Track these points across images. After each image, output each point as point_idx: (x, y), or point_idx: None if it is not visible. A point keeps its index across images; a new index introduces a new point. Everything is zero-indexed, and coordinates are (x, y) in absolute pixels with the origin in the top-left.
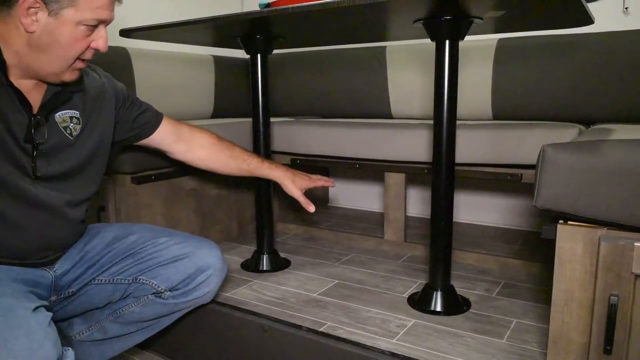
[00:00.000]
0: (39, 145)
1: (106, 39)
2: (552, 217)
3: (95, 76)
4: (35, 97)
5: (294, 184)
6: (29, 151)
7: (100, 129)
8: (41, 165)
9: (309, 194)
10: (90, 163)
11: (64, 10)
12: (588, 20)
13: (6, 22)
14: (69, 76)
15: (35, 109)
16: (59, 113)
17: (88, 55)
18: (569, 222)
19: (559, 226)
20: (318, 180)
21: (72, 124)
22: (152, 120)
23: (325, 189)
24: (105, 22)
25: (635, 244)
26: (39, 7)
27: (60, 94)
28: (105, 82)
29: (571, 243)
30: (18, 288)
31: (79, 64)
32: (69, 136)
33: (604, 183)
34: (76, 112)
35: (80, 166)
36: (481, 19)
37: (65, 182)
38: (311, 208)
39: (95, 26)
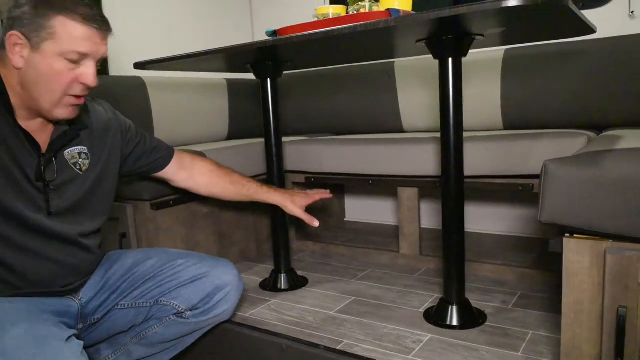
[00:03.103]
0: (50, 183)
1: (95, 73)
2: (558, 230)
3: (102, 111)
4: (44, 136)
5: (294, 204)
6: (41, 189)
7: (107, 162)
8: (54, 201)
9: (325, 210)
10: (98, 196)
11: (44, 44)
12: (589, 29)
13: (5, 64)
14: (62, 112)
15: (44, 148)
16: (68, 150)
17: (77, 90)
18: (575, 236)
19: (565, 239)
20: (315, 195)
21: (81, 160)
22: (165, 155)
23: (341, 205)
24: (91, 56)
25: None
26: (22, 43)
27: (68, 132)
28: (111, 117)
29: (578, 256)
30: (49, 319)
31: (70, 100)
32: (79, 172)
33: (606, 196)
34: (84, 147)
35: (90, 199)
36: (482, 35)
37: (77, 215)
38: (315, 223)
39: (77, 61)
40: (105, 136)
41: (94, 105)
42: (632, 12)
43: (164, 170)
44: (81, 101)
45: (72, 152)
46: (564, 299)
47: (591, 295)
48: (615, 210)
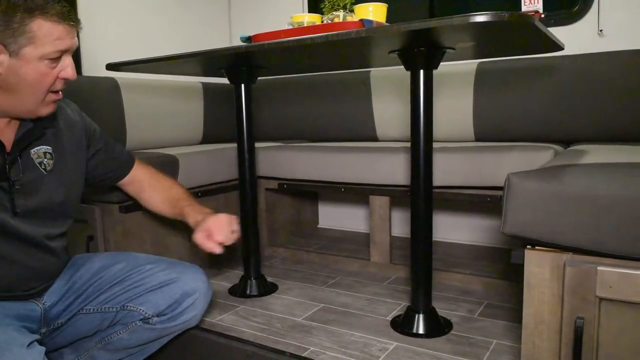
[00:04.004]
0: (15, 182)
1: (73, 66)
2: (521, 242)
3: (69, 112)
4: (8, 135)
5: (195, 236)
6: (5, 188)
7: (72, 164)
8: (19, 201)
9: (299, 217)
10: (63, 197)
11: (24, 50)
12: (557, 46)
13: None
14: (45, 110)
15: (8, 147)
16: (34, 149)
17: (59, 85)
18: (536, 248)
19: (526, 251)
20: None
21: (46, 160)
22: (125, 163)
23: (314, 211)
24: (68, 51)
25: (599, 268)
26: None
27: (33, 130)
28: (78, 119)
29: (539, 268)
30: (10, 323)
31: (52, 97)
32: (44, 171)
33: (567, 209)
34: (49, 147)
35: (54, 200)
36: (453, 49)
37: (42, 216)
38: (216, 250)
39: (57, 59)
40: (71, 137)
41: (61, 105)
42: (601, 31)
43: (121, 181)
44: (60, 95)
45: (37, 151)
46: (525, 310)
47: (551, 307)
48: (575, 223)
